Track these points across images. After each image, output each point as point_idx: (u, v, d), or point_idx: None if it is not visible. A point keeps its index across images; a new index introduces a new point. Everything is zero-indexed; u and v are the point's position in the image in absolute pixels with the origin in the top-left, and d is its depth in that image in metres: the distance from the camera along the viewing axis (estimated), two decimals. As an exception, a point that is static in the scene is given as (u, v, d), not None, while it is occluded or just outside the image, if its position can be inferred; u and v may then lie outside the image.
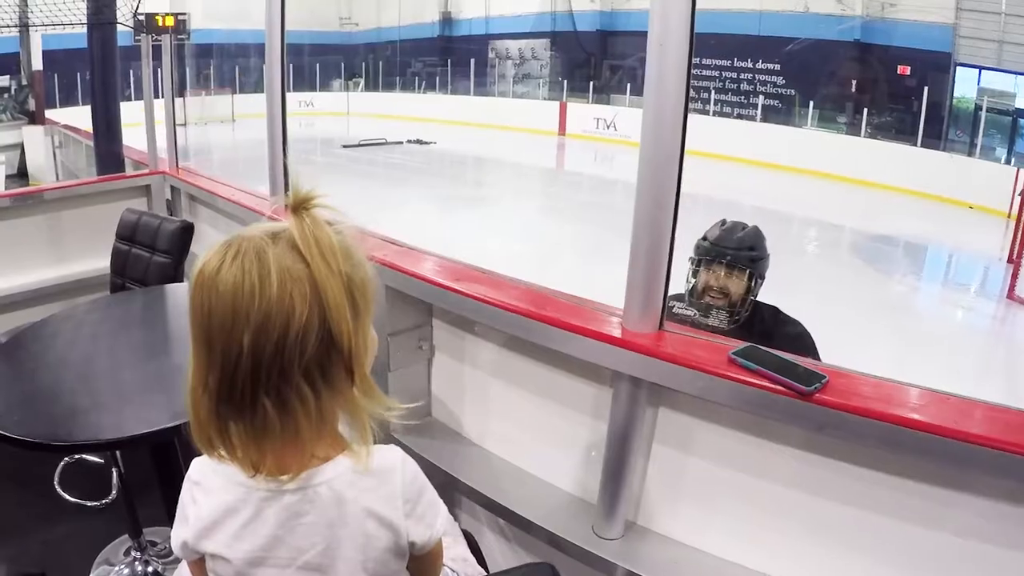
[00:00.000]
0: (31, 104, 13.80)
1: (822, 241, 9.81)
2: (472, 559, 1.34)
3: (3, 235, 3.68)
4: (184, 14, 24.61)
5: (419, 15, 23.81)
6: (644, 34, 1.20)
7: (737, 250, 2.09)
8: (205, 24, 23.73)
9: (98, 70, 5.67)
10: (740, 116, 16.13)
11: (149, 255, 2.84)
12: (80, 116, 7.11)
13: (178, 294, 2.55)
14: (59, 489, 2.38)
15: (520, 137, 18.03)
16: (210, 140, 18.45)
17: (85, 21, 5.79)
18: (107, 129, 5.73)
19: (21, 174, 12.05)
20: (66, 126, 10.33)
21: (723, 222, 2.21)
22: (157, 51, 4.19)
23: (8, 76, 14.79)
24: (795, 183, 12.96)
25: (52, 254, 3.47)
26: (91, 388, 1.87)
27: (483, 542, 1.94)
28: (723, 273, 2.09)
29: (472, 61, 21.58)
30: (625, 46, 19.21)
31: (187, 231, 2.76)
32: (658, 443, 1.51)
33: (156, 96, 4.27)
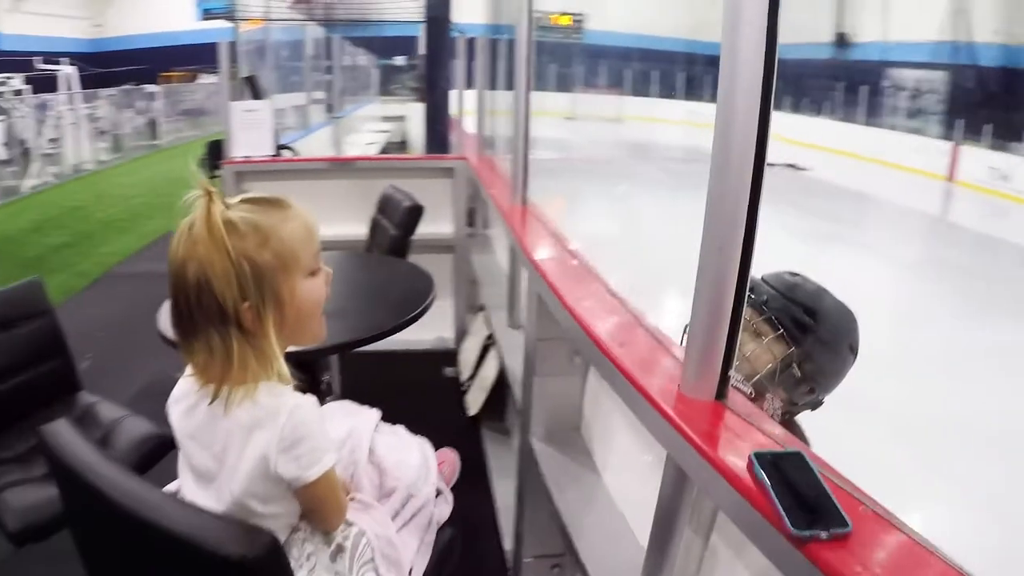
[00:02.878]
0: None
1: None
2: (400, 551, 1.33)
3: (318, 192, 4.11)
4: (580, 15, 26.04)
5: (815, 34, 22.49)
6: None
7: (784, 298, 1.38)
8: (600, 26, 24.82)
9: (434, 61, 6.13)
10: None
11: (388, 227, 2.98)
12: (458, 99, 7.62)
13: (382, 264, 2.66)
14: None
15: (903, 176, 15.88)
16: (577, 137, 19.22)
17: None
18: (435, 114, 6.17)
19: (402, 143, 13.48)
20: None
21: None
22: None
23: (406, 57, 16.85)
24: None
25: (352, 214, 3.71)
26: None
27: None
28: (749, 320, 1.38)
29: (864, 88, 19.85)
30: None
31: (415, 210, 2.85)
32: (718, 535, 1.18)
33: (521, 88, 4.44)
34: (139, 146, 15.82)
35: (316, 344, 1.26)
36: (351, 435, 1.43)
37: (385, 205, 3.10)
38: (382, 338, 2.06)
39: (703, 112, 21.97)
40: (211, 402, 1.12)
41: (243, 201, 1.13)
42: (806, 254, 8.86)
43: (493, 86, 4.61)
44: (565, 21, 25.24)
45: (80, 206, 9.30)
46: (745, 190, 0.96)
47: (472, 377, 3.57)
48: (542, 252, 2.05)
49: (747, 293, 1.34)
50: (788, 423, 1.38)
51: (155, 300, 1.87)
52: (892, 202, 13.61)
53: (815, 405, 1.41)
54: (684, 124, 21.06)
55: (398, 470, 1.42)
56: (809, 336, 1.36)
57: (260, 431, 1.11)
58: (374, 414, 1.56)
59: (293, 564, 1.19)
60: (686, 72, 23.15)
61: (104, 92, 14.58)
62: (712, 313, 1.03)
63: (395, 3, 8.88)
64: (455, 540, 1.52)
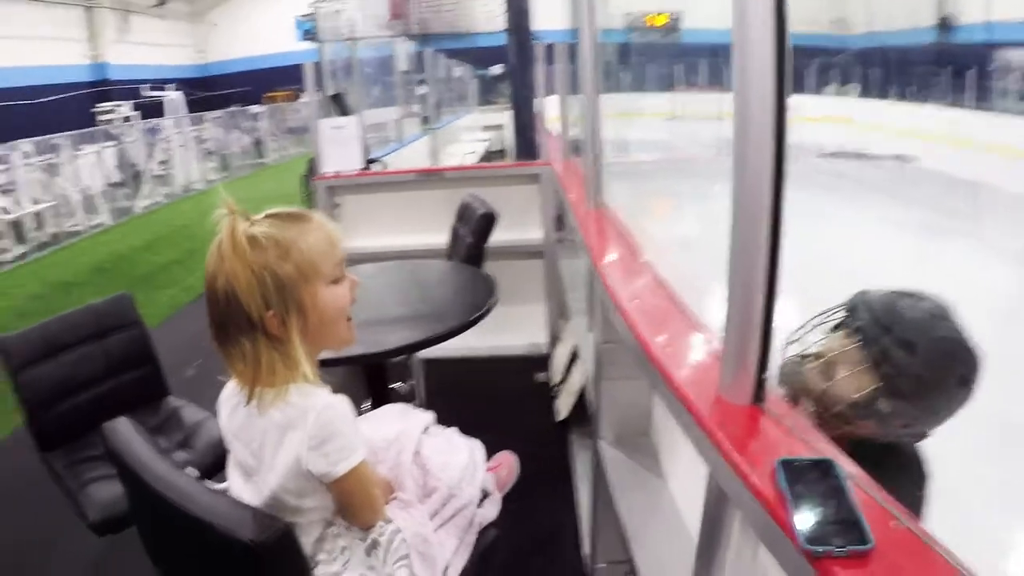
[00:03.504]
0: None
1: None
2: (435, 549, 1.36)
3: (407, 202, 4.19)
4: (676, 14, 25.59)
5: (914, 18, 21.35)
6: None
7: (880, 326, 1.25)
8: (697, 24, 24.38)
9: (518, 69, 6.15)
10: None
11: (465, 235, 3.01)
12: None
13: (449, 271, 2.69)
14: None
15: (1017, 163, 15.28)
16: (677, 137, 18.93)
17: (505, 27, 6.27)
18: (522, 122, 6.20)
19: (502, 151, 13.50)
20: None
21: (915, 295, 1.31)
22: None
23: (502, 66, 16.90)
24: None
25: (439, 223, 3.68)
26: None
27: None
28: (839, 342, 1.30)
29: (972, 72, 18.71)
30: None
31: (487, 218, 2.86)
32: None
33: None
34: (245, 165, 16.50)
35: (345, 348, 1.32)
36: (399, 437, 1.50)
37: (463, 213, 3.13)
38: (428, 346, 2.08)
39: (800, 105, 21.25)
40: (247, 403, 1.21)
41: (266, 216, 1.22)
42: (916, 248, 8.43)
43: (576, 91, 4.59)
44: (661, 21, 24.88)
45: (188, 224, 9.78)
46: (767, 183, 0.92)
47: (562, 382, 3.56)
48: (608, 256, 2.03)
49: (845, 313, 1.32)
50: (888, 446, 1.29)
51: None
52: (1006, 190, 12.73)
53: (918, 437, 1.30)
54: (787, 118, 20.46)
55: (441, 471, 1.48)
56: (901, 372, 1.22)
57: (292, 430, 1.19)
58: (426, 417, 1.63)
59: (326, 557, 1.27)
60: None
61: (210, 115, 15.30)
62: (744, 312, 0.99)
63: (484, 15, 8.96)
64: (498, 541, 1.54)
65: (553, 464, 3.09)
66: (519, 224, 4.09)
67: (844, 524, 0.76)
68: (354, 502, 1.29)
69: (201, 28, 28.20)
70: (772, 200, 0.92)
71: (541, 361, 4.07)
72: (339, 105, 5.69)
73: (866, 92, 22.12)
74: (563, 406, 3.43)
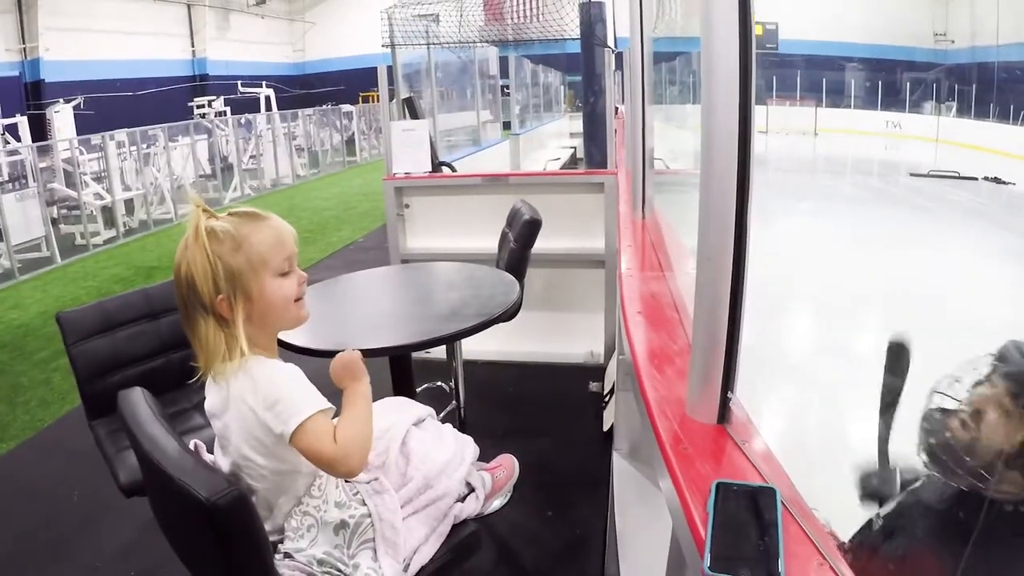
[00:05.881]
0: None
1: None
2: (401, 536, 1.41)
3: (473, 206, 4.22)
4: (772, 23, 24.89)
5: (1019, 34, 20.20)
6: None
7: None
8: (792, 35, 23.70)
9: (589, 77, 6.12)
10: None
11: (511, 240, 3.01)
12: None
13: (490, 276, 2.70)
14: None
15: None
16: (766, 151, 18.56)
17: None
18: (592, 130, 6.16)
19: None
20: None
21: None
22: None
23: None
24: None
25: (496, 227, 3.57)
26: (373, 316, 2.41)
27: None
28: (988, 391, 1.14)
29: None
30: None
31: (531, 225, 2.84)
32: None
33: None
34: (336, 162, 16.88)
35: (298, 327, 1.47)
36: (390, 428, 1.57)
37: (512, 219, 3.12)
38: (435, 345, 2.07)
39: (904, 123, 20.42)
40: (203, 376, 1.36)
41: (229, 214, 1.36)
42: (1015, 278, 7.93)
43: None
44: (758, 31, 24.32)
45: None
46: (731, 195, 0.90)
47: (612, 392, 3.53)
48: (632, 266, 2.00)
49: (994, 361, 1.17)
50: None
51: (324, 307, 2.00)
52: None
53: None
54: (884, 136, 19.78)
55: (422, 462, 1.55)
56: None
57: (248, 396, 1.32)
58: (422, 410, 1.69)
59: (292, 533, 1.39)
60: (883, 80, 21.64)
61: (302, 112, 15.72)
62: (709, 330, 0.96)
63: (570, 23, 8.95)
64: (474, 536, 1.58)
65: (594, 474, 3.06)
66: (583, 233, 4.06)
67: (762, 556, 0.73)
68: (311, 454, 1.34)
69: (299, 27, 28.98)
70: (736, 218, 0.90)
71: (599, 371, 4.04)
72: (411, 108, 5.76)
73: (963, 110, 21.16)
74: (608, 416, 3.40)
